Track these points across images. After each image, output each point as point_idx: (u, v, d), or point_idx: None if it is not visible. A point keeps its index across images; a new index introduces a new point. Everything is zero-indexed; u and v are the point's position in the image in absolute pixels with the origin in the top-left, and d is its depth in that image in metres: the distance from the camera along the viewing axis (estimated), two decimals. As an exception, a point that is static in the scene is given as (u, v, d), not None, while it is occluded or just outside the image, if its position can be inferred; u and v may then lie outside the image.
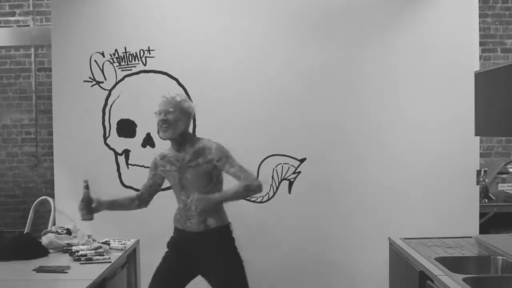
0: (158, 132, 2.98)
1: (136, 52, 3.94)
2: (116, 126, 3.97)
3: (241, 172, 2.91)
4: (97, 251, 3.13)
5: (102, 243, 3.31)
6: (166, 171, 3.06)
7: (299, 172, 3.91)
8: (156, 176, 3.14)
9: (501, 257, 2.87)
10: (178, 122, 2.94)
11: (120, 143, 3.97)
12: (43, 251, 3.19)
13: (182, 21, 3.92)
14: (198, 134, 3.89)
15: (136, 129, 3.95)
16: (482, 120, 3.04)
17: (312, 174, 3.90)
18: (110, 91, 3.96)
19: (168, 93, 3.00)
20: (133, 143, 3.96)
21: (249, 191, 2.92)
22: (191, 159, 2.96)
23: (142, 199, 3.17)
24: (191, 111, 3.01)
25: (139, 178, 3.91)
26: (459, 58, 3.83)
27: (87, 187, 2.97)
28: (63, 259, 3.09)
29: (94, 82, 3.95)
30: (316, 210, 3.90)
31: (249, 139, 3.85)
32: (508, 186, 4.60)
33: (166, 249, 3.12)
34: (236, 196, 2.94)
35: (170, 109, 2.93)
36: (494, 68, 2.91)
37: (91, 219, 3.00)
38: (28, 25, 5.37)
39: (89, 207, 2.96)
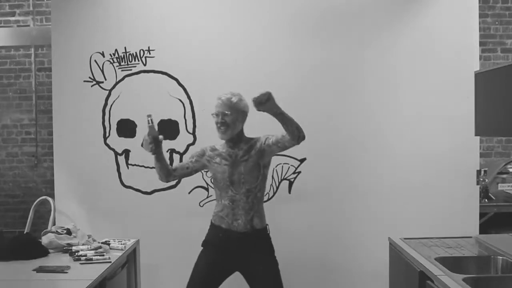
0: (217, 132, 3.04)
1: (136, 52, 3.93)
2: (116, 126, 3.97)
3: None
4: (97, 251, 3.13)
5: (102, 243, 3.31)
6: (214, 163, 3.10)
7: (299, 172, 3.90)
8: (198, 162, 3.17)
9: (501, 257, 2.87)
10: (236, 122, 3.03)
11: (120, 143, 3.97)
12: (43, 251, 3.20)
13: (182, 21, 3.92)
14: (198, 134, 3.91)
15: (136, 129, 3.95)
16: (482, 120, 3.04)
17: (312, 174, 3.90)
18: (110, 91, 3.96)
19: (224, 95, 3.05)
20: (133, 143, 3.96)
21: (298, 126, 2.90)
22: (244, 154, 3.05)
23: (171, 174, 3.16)
24: (247, 110, 3.07)
25: (139, 178, 3.95)
26: (459, 58, 3.83)
27: (151, 121, 2.99)
28: (63, 259, 3.09)
29: (94, 82, 3.95)
30: (316, 210, 3.90)
31: (249, 139, 3.84)
32: (508, 186, 4.60)
33: (201, 248, 3.14)
34: (290, 119, 2.89)
35: (227, 112, 3.00)
36: (494, 68, 2.92)
37: (160, 153, 3.06)
38: (28, 25, 5.37)
39: (157, 141, 3.00)
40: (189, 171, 3.20)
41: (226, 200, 3.05)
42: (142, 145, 3.10)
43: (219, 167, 3.08)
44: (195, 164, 3.17)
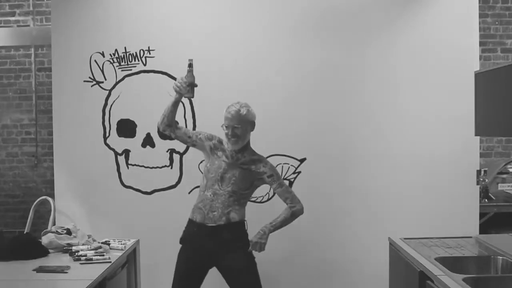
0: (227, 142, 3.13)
1: (136, 52, 3.93)
2: (116, 126, 3.97)
3: (288, 193, 3.11)
4: (97, 251, 3.13)
5: (102, 243, 3.31)
6: (215, 153, 3.15)
7: (299, 172, 3.90)
8: (202, 142, 3.20)
9: (501, 257, 2.87)
10: (246, 134, 3.10)
11: (120, 143, 3.97)
12: (43, 251, 3.19)
13: (182, 21, 3.92)
14: (198, 134, 3.91)
15: (136, 129, 3.95)
16: (482, 120, 3.04)
17: (312, 174, 3.90)
18: (110, 91, 3.96)
19: (232, 106, 3.07)
20: (133, 143, 3.96)
21: (295, 216, 3.10)
22: (245, 162, 3.10)
23: (173, 125, 3.16)
24: (255, 119, 3.14)
25: (139, 178, 3.95)
26: (459, 58, 3.83)
27: (191, 65, 3.05)
28: (63, 259, 3.09)
29: (94, 82, 3.95)
30: (316, 210, 3.88)
31: (249, 139, 3.85)
32: (508, 186, 4.60)
33: (180, 245, 3.18)
34: (285, 223, 3.11)
35: (237, 125, 3.04)
36: (494, 68, 2.91)
37: (193, 97, 3.16)
38: (28, 25, 5.37)
39: (193, 87, 3.07)
40: (188, 140, 3.21)
41: (209, 191, 3.07)
42: (174, 87, 3.08)
43: (217, 160, 3.12)
44: (198, 141, 3.20)
